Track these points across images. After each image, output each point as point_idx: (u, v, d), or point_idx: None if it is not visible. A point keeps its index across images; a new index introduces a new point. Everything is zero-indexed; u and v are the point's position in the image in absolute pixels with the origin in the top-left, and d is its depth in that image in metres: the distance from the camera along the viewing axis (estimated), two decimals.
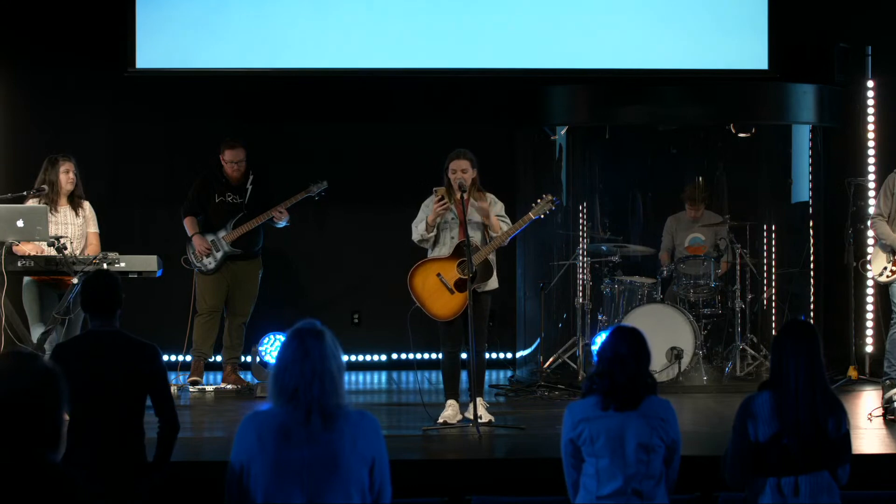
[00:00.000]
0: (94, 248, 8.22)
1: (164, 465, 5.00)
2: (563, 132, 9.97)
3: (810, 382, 4.53)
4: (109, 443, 4.81)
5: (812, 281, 9.87)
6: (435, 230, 7.45)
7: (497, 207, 7.50)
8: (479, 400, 7.27)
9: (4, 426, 3.02)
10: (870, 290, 9.65)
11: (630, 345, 4.49)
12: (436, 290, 7.40)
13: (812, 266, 9.88)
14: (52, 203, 8.14)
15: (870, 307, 9.69)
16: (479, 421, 7.10)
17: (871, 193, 9.36)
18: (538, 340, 9.71)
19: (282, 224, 8.97)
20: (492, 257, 7.42)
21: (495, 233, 7.38)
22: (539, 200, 7.47)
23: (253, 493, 3.85)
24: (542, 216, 7.51)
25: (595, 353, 4.61)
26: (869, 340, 9.67)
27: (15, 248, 7.79)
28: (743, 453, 4.56)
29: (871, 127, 9.81)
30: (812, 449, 4.53)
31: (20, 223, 7.64)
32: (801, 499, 4.51)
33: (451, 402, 7.46)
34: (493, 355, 10.04)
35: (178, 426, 5.04)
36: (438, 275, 7.39)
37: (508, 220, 7.50)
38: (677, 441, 4.52)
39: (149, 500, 4.94)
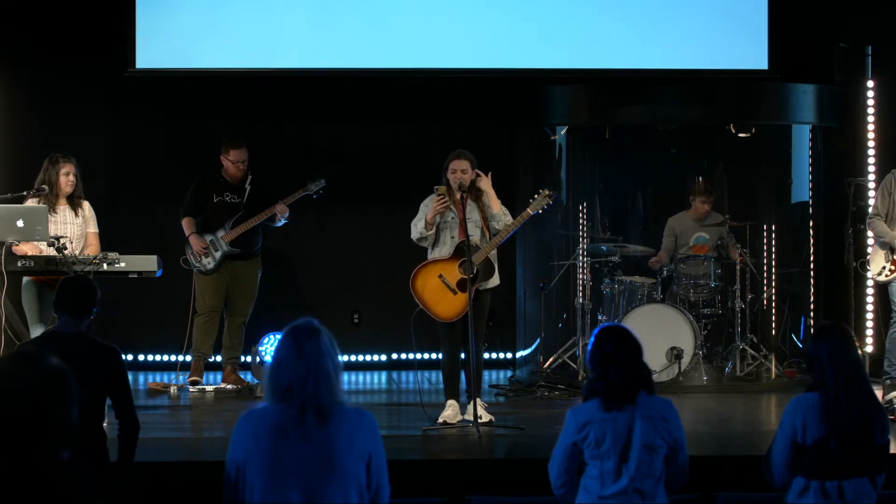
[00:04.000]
0: (93, 248, 8.22)
1: (127, 466, 5.02)
2: (563, 132, 9.97)
3: (856, 387, 4.56)
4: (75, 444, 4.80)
5: (812, 281, 9.87)
6: (434, 228, 7.45)
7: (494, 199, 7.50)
8: (477, 400, 7.27)
9: (12, 424, 3.03)
10: (870, 290, 9.64)
11: (614, 341, 4.48)
12: (438, 292, 7.39)
13: (812, 266, 9.88)
14: (51, 203, 8.14)
15: (870, 307, 9.68)
16: (479, 421, 7.10)
17: (871, 193, 9.35)
18: (538, 340, 9.71)
19: (281, 223, 8.96)
20: (493, 254, 7.42)
21: (495, 210, 7.34)
22: (536, 195, 7.48)
23: (250, 492, 3.85)
24: (541, 211, 7.51)
25: (587, 358, 4.60)
26: (869, 340, 9.66)
27: (14, 249, 7.79)
28: (790, 454, 4.57)
29: (871, 127, 9.80)
30: (858, 454, 4.56)
31: (20, 223, 7.65)
32: (845, 502, 4.52)
33: (451, 402, 7.46)
34: (493, 355, 10.04)
35: (138, 426, 5.07)
36: (441, 276, 7.39)
37: (510, 216, 7.49)
38: (680, 440, 4.51)
39: (114, 501, 4.93)
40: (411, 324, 7.44)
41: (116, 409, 5.05)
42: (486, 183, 7.44)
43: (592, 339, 4.57)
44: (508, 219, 7.41)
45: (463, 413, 7.40)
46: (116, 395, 5.03)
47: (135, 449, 5.07)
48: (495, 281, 7.47)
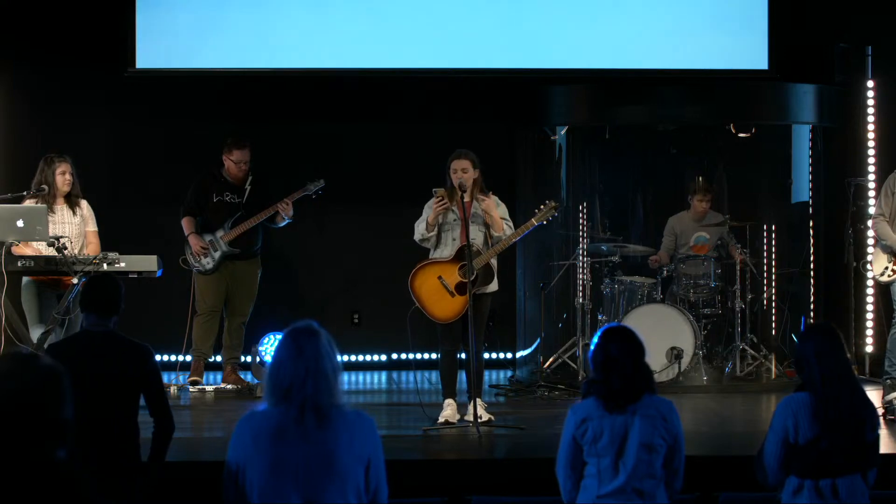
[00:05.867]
0: (93, 247, 8.22)
1: (157, 465, 5.00)
2: (563, 132, 9.97)
3: (846, 385, 4.57)
4: (103, 443, 4.81)
5: (812, 281, 9.87)
6: (435, 230, 7.45)
7: (501, 209, 7.50)
8: (477, 400, 7.28)
9: (9, 426, 3.03)
10: (870, 290, 9.65)
11: (621, 345, 4.47)
12: (436, 293, 7.40)
13: (812, 266, 9.88)
14: (49, 203, 8.14)
15: (870, 307, 9.69)
16: (479, 420, 7.11)
17: (871, 193, 9.35)
18: (538, 340, 9.71)
19: (284, 223, 8.96)
20: (493, 260, 7.42)
21: (497, 232, 7.38)
22: (542, 206, 7.48)
23: (249, 493, 3.85)
24: (545, 222, 7.52)
25: (589, 357, 4.59)
26: (869, 340, 9.67)
27: (13, 249, 7.79)
28: (782, 454, 4.57)
29: (871, 127, 9.81)
30: (850, 452, 4.56)
31: (20, 223, 7.65)
32: (840, 500, 4.53)
33: (449, 401, 7.47)
34: (493, 355, 10.03)
35: (173, 426, 5.06)
36: (440, 277, 7.39)
37: (511, 224, 7.50)
38: (679, 439, 4.51)
39: (142, 500, 4.94)
40: (408, 322, 7.44)
41: (151, 408, 5.03)
42: (488, 204, 7.42)
43: (596, 338, 4.56)
44: (510, 230, 7.41)
45: (463, 413, 7.41)
46: (150, 394, 5.02)
47: (167, 448, 5.05)
48: (494, 286, 7.47)
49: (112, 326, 5.07)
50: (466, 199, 7.32)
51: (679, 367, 8.87)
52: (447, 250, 7.46)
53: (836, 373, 4.57)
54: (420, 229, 7.47)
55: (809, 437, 4.54)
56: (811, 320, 9.79)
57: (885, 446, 6.92)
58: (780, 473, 4.62)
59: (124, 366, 4.94)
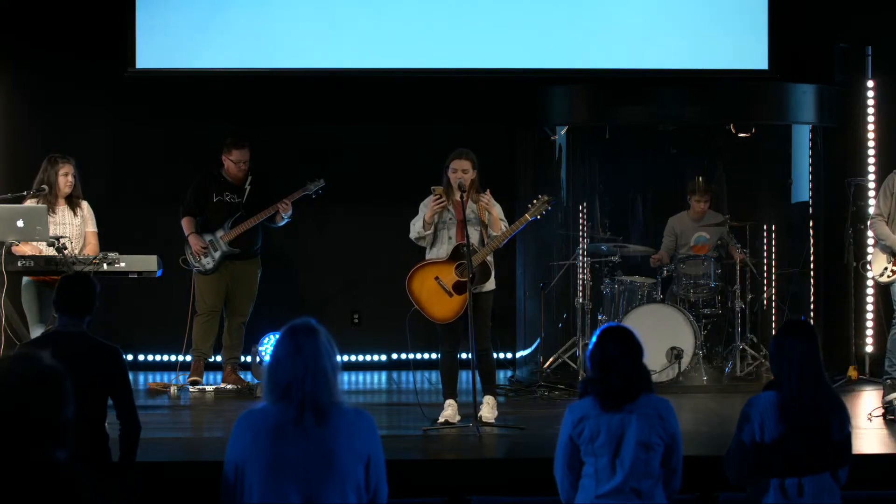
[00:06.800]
0: (92, 247, 8.23)
1: (129, 467, 5.02)
2: (563, 132, 9.97)
3: (812, 383, 4.55)
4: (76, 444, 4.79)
5: (812, 281, 9.86)
6: (432, 228, 7.45)
7: (496, 209, 7.50)
8: (490, 398, 7.31)
9: (9, 426, 3.03)
10: (870, 290, 9.65)
11: (619, 345, 4.47)
12: (434, 293, 7.40)
13: (812, 266, 9.88)
14: (50, 203, 8.15)
15: (870, 307, 9.69)
16: (479, 421, 7.11)
17: (871, 193, 9.35)
18: (538, 340, 9.71)
19: (283, 222, 8.96)
20: (490, 258, 7.42)
21: (495, 231, 7.38)
22: (535, 201, 7.48)
23: (248, 492, 3.85)
24: (539, 217, 7.52)
25: (587, 356, 4.58)
26: (869, 340, 9.67)
27: (14, 249, 7.80)
28: (747, 453, 4.57)
29: (871, 127, 9.81)
30: (816, 451, 4.55)
31: (20, 223, 7.66)
32: (805, 500, 4.52)
33: (449, 401, 7.47)
34: (494, 355, 10.03)
35: (139, 427, 5.06)
36: (437, 278, 7.39)
37: (507, 222, 7.51)
38: (677, 438, 4.51)
39: (123, 501, 4.94)
40: (406, 323, 7.45)
41: (118, 409, 5.05)
42: (488, 202, 7.40)
43: (596, 337, 4.55)
44: (505, 225, 7.42)
45: (476, 413, 7.40)
46: (118, 396, 5.03)
47: (136, 449, 5.06)
48: (491, 285, 7.47)
49: (85, 327, 5.07)
50: (465, 198, 7.33)
51: (679, 367, 8.88)
52: (443, 248, 7.47)
53: (802, 370, 4.55)
54: (417, 227, 7.48)
55: (775, 436, 4.53)
56: (811, 320, 9.79)
57: (884, 446, 6.96)
58: (748, 472, 4.61)
59: (93, 367, 4.92)
